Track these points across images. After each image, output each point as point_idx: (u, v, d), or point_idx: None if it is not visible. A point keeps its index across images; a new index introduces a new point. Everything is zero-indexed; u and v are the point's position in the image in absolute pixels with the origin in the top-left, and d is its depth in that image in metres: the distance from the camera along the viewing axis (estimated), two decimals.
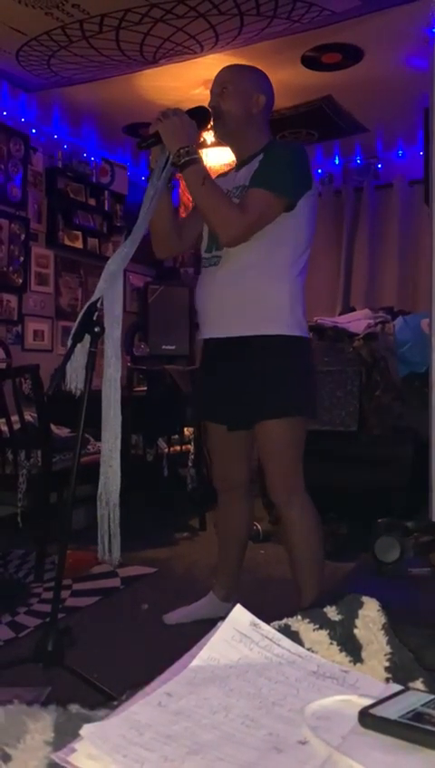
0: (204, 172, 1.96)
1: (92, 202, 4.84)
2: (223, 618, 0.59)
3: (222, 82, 2.09)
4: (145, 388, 3.98)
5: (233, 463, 2.22)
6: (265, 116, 2.13)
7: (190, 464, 3.89)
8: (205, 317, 2.12)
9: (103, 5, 3.04)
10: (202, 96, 3.60)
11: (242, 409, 2.04)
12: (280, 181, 1.94)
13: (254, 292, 1.98)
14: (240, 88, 2.07)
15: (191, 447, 3.88)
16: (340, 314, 4.17)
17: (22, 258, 4.23)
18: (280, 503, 2.10)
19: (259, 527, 3.40)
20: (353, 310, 4.13)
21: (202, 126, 2.04)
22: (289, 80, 3.71)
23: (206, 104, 2.08)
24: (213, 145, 3.77)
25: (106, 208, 4.93)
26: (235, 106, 2.05)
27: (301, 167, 2.03)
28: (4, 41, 3.38)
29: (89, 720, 0.48)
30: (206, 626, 0.59)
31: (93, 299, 1.76)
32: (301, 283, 2.06)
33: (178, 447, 3.86)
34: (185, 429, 3.93)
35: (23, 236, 4.23)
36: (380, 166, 4.96)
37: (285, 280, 2.00)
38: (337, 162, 5.07)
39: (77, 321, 1.75)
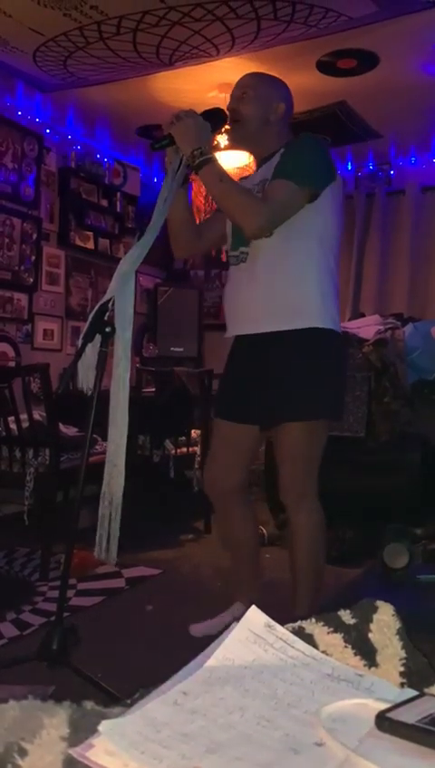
0: (221, 170, 1.95)
1: (104, 203, 4.86)
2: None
3: (243, 86, 2.09)
4: (153, 390, 3.98)
5: (231, 466, 2.18)
6: (284, 123, 2.13)
7: (197, 466, 3.89)
8: (234, 314, 2.10)
9: (121, 7, 3.05)
10: (217, 99, 3.61)
11: (271, 409, 2.01)
12: (302, 171, 1.93)
13: (283, 286, 1.97)
14: (261, 94, 2.07)
15: (198, 449, 3.88)
16: (349, 320, 4.16)
17: (33, 257, 4.24)
18: (290, 505, 2.09)
19: (265, 531, 3.39)
20: (363, 315, 4.13)
21: (216, 128, 2.04)
22: (304, 84, 3.72)
23: (220, 107, 2.08)
24: (226, 148, 3.77)
25: (118, 209, 4.95)
26: (254, 111, 2.06)
27: (322, 158, 2.02)
28: (21, 41, 3.40)
29: (104, 717, 0.48)
30: None
31: (105, 299, 1.76)
32: (331, 278, 2.03)
33: (184, 449, 3.86)
34: (192, 431, 3.93)
35: (34, 236, 4.24)
36: (392, 172, 4.96)
37: (313, 274, 1.98)
38: (349, 168, 5.07)
39: (88, 321, 1.76)
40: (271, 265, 1.98)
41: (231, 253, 2.12)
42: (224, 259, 3.17)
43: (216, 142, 3.86)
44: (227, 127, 2.10)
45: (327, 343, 2.01)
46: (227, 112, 2.06)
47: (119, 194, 4.95)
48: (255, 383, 2.04)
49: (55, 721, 0.48)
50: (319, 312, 1.98)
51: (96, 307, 1.76)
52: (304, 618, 0.62)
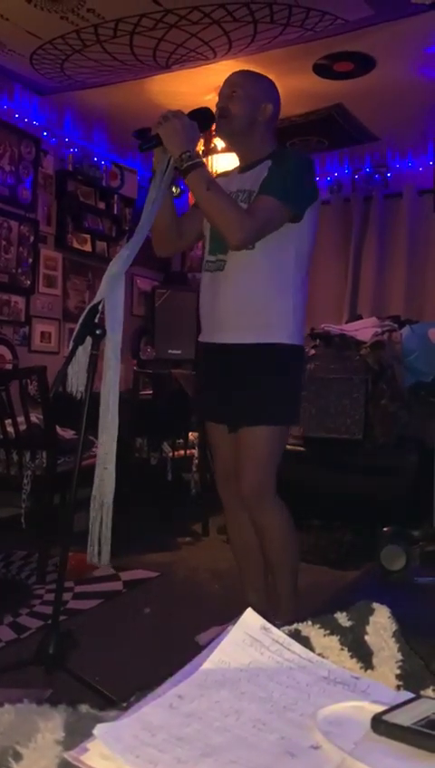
0: (208, 176, 1.97)
1: (102, 206, 4.86)
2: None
3: (233, 85, 2.10)
4: (151, 392, 3.98)
5: (231, 468, 2.16)
6: (271, 125, 2.14)
7: (194, 468, 3.89)
8: (207, 321, 2.14)
9: (118, 10, 3.06)
10: (214, 102, 3.61)
11: (238, 412, 2.06)
12: (289, 192, 1.96)
13: (257, 300, 2.00)
14: (250, 93, 2.07)
15: (195, 452, 3.88)
16: (347, 322, 4.17)
17: (30, 260, 4.24)
18: (253, 507, 2.08)
19: None
20: (360, 318, 4.14)
21: (204, 127, 2.03)
22: (300, 87, 3.72)
23: (207, 106, 2.09)
24: (223, 150, 3.77)
25: (115, 212, 4.95)
26: (242, 110, 2.06)
27: (309, 179, 2.06)
28: (18, 44, 3.41)
29: (99, 720, 0.48)
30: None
31: (95, 301, 1.76)
32: (303, 292, 2.08)
33: (182, 452, 3.86)
34: (190, 434, 3.93)
35: (32, 238, 4.24)
36: (389, 175, 4.97)
37: (288, 288, 2.03)
38: (347, 171, 5.08)
39: (78, 324, 1.76)
40: (247, 278, 2.00)
41: (208, 257, 2.13)
42: None
43: (213, 145, 3.87)
44: (213, 126, 2.11)
45: (294, 358, 2.09)
46: (216, 110, 2.06)
47: (116, 196, 4.95)
48: (224, 387, 2.07)
49: (50, 724, 0.48)
50: (289, 328, 2.03)
51: (86, 309, 1.76)
52: (291, 619, 0.62)
